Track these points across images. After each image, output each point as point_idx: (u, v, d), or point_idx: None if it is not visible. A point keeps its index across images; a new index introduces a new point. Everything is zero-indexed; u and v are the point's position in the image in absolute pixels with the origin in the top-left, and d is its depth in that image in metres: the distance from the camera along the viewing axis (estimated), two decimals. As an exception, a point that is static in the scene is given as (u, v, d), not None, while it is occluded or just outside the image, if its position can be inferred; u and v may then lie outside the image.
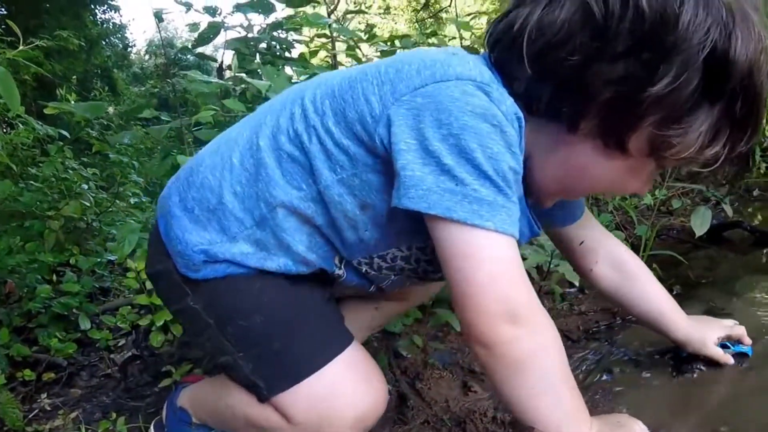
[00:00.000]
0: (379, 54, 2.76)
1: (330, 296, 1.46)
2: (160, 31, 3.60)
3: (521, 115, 1.14)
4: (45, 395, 2.17)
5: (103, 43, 18.49)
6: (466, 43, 2.89)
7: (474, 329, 1.13)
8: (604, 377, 2.00)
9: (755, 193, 3.89)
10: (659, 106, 1.06)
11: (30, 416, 2.05)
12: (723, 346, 1.93)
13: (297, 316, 1.34)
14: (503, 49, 1.18)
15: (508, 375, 1.15)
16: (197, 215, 1.32)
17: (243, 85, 2.66)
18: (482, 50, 1.29)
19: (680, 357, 1.96)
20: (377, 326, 1.95)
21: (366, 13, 3.56)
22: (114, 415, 2.00)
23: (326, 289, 1.45)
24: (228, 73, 3.03)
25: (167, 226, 1.37)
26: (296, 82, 2.75)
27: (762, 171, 3.85)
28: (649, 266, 2.52)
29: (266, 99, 2.46)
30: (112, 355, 2.43)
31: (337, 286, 1.49)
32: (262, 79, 2.50)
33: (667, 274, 2.69)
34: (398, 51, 2.79)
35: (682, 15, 1.01)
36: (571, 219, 1.73)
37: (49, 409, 2.10)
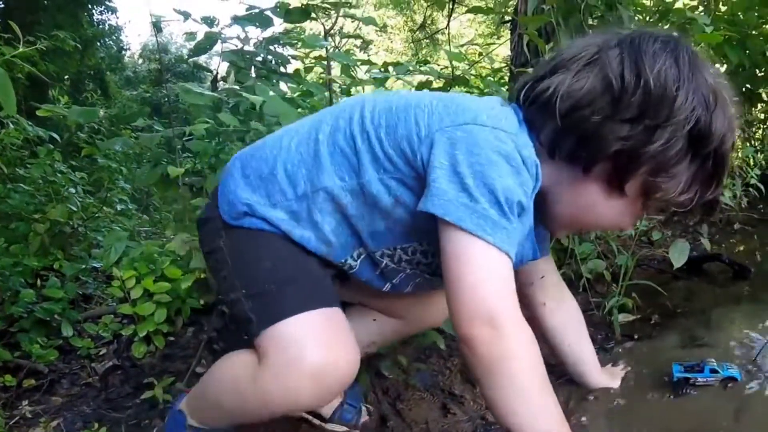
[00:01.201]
0: (372, 79, 2.76)
1: (333, 276, 1.65)
2: (157, 39, 3.58)
3: (538, 162, 1.40)
4: (26, 402, 2.15)
5: (98, 44, 18.35)
6: (458, 72, 2.88)
7: (458, 327, 1.32)
8: (581, 404, 2.01)
9: (736, 226, 3.92)
10: (653, 159, 1.37)
11: (11, 423, 2.03)
12: (713, 370, 1.96)
13: (297, 272, 1.53)
14: (538, 106, 1.44)
15: (483, 374, 1.32)
16: (251, 180, 1.57)
17: (236, 98, 2.65)
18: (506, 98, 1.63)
19: (672, 381, 2.00)
20: (371, 343, 2.00)
21: (361, 38, 3.56)
22: (96, 425, 1.99)
23: (334, 272, 1.65)
24: (222, 85, 3.01)
25: (225, 182, 1.63)
26: (289, 98, 2.75)
27: (743, 206, 3.89)
28: (628, 295, 2.56)
29: (260, 114, 2.47)
30: (93, 364, 2.40)
31: (347, 285, 1.75)
32: (255, 94, 2.50)
33: (646, 303, 2.71)
34: (391, 74, 2.80)
35: (678, 96, 1.33)
36: (544, 253, 1.87)
37: (30, 416, 2.08)
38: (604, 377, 2.04)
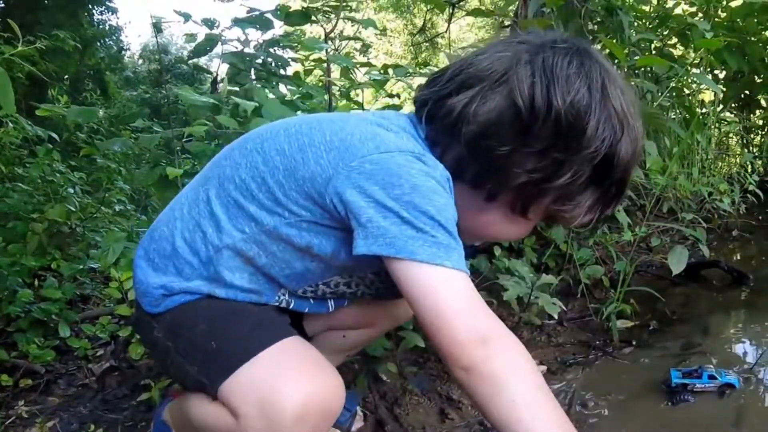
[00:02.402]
0: (372, 81, 2.76)
1: (280, 311, 1.54)
2: (157, 40, 3.57)
3: (449, 176, 1.33)
4: (22, 402, 2.14)
5: (98, 44, 18.31)
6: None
7: (452, 358, 1.23)
8: (579, 409, 2.01)
9: (734, 233, 3.92)
10: (558, 190, 1.32)
11: (6, 423, 2.02)
12: (711, 376, 1.96)
13: (235, 320, 1.43)
14: (443, 127, 1.36)
15: (491, 393, 1.22)
16: (157, 263, 1.47)
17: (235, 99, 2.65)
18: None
19: (670, 388, 2.00)
20: (348, 349, 1.97)
21: (361, 41, 3.56)
22: (92, 426, 1.98)
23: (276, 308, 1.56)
24: (221, 87, 3.01)
25: (135, 277, 1.52)
26: (289, 100, 2.74)
27: (741, 212, 3.89)
28: (627, 301, 2.55)
29: (259, 115, 2.46)
30: (90, 365, 2.39)
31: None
32: (253, 97, 2.50)
33: (645, 309, 2.71)
34: (390, 79, 2.80)
35: (588, 129, 1.27)
36: None
37: (26, 416, 2.07)
38: None
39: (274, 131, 1.43)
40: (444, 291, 1.22)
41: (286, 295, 1.54)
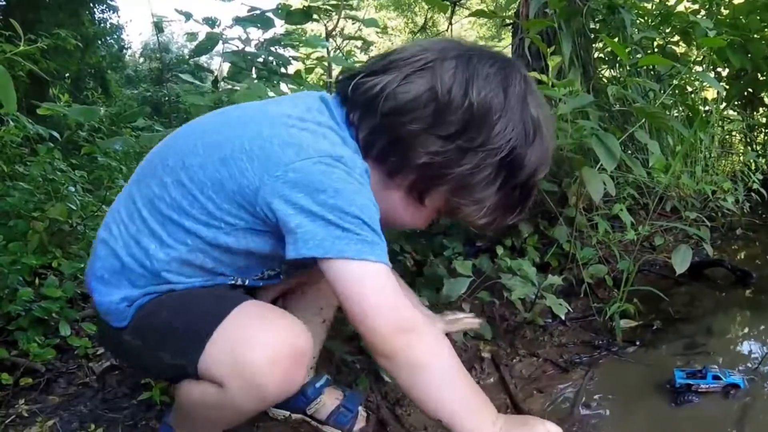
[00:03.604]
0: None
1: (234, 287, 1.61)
2: (158, 39, 3.57)
3: (368, 168, 1.42)
4: (22, 401, 2.12)
5: (99, 42, 18.29)
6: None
7: (375, 347, 1.36)
8: (583, 410, 2.00)
9: (738, 232, 3.91)
10: (458, 180, 1.40)
11: (7, 421, 2.01)
12: (715, 377, 1.95)
13: (194, 299, 1.49)
14: (363, 102, 1.43)
15: (413, 377, 1.37)
16: (109, 279, 1.50)
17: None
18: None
19: (674, 388, 1.99)
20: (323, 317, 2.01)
21: (363, 39, 3.55)
22: (92, 426, 1.97)
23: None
24: (222, 85, 3.00)
25: (96, 304, 1.54)
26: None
27: (745, 211, 3.87)
28: (630, 301, 2.54)
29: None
30: (90, 364, 2.38)
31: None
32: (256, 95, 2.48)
33: (648, 309, 2.69)
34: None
35: (497, 125, 1.37)
36: None
37: (26, 415, 2.06)
38: (440, 325, 2.00)
39: (191, 144, 1.46)
40: (368, 284, 1.33)
41: (239, 280, 1.60)
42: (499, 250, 2.63)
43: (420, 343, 1.36)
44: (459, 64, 1.39)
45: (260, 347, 1.34)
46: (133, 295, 1.48)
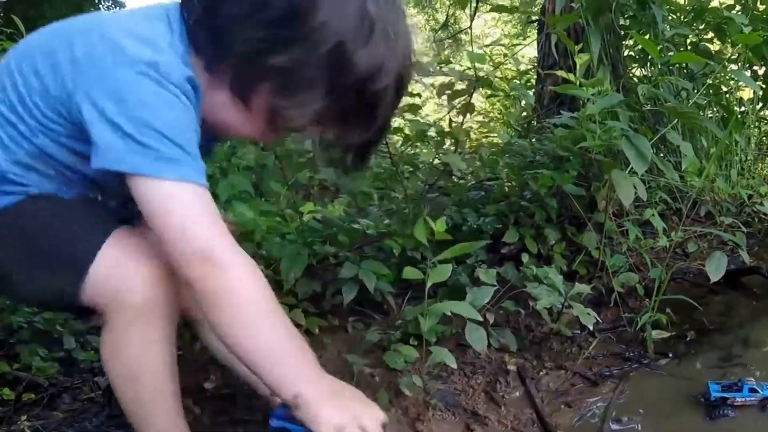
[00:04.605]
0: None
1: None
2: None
3: (192, 74, 1.36)
4: (25, 417, 2.12)
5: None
6: (482, 74, 2.86)
7: (179, 271, 1.34)
8: (613, 426, 1.98)
9: (776, 238, 3.87)
10: (277, 76, 1.34)
11: (9, 439, 2.02)
12: (752, 389, 1.93)
13: (66, 211, 1.50)
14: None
15: (209, 308, 1.33)
16: None
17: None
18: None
19: (708, 402, 1.97)
20: None
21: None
22: (98, 442, 1.98)
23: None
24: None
25: None
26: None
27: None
28: (662, 311, 2.52)
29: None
30: (96, 378, 2.38)
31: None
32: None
33: (681, 319, 2.67)
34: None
35: (322, 14, 1.28)
36: None
37: (28, 431, 2.07)
38: None
39: (31, 50, 1.46)
40: (170, 204, 1.31)
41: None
42: (525, 258, 2.62)
43: (223, 276, 1.32)
44: None
45: (138, 277, 1.39)
46: None
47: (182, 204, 1.31)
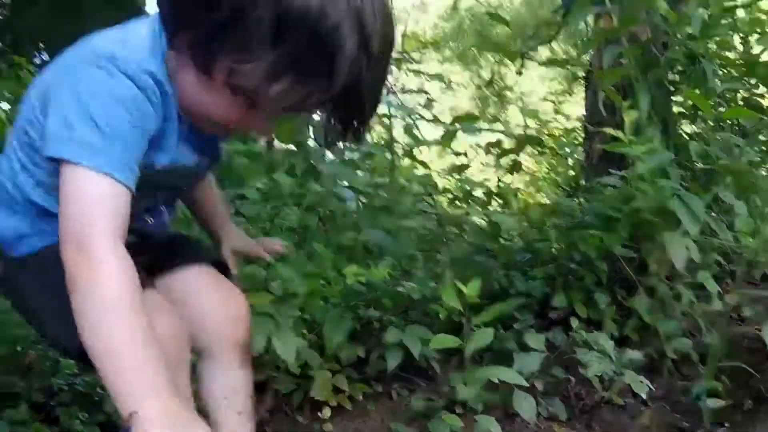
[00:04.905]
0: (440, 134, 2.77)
1: None
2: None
3: (153, 69, 1.37)
4: (64, 484, 2.13)
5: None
6: (529, 131, 2.86)
7: (61, 253, 1.31)
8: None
9: (839, 300, 3.79)
10: (225, 34, 1.28)
11: (47, 506, 2.01)
12: None
13: None
14: None
15: (71, 292, 1.28)
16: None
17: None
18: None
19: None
20: None
21: (426, 93, 3.58)
22: None
23: None
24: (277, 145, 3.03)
25: None
26: (349, 160, 2.75)
27: None
28: (717, 378, 2.45)
29: (316, 175, 2.47)
30: (136, 443, 2.38)
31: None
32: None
33: (737, 386, 2.60)
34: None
35: None
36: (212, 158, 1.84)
37: (68, 500, 2.06)
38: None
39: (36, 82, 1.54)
40: (75, 190, 1.31)
41: None
42: (574, 323, 2.59)
43: (92, 269, 1.27)
44: None
45: None
46: (21, 228, 1.59)
47: (82, 192, 1.32)
